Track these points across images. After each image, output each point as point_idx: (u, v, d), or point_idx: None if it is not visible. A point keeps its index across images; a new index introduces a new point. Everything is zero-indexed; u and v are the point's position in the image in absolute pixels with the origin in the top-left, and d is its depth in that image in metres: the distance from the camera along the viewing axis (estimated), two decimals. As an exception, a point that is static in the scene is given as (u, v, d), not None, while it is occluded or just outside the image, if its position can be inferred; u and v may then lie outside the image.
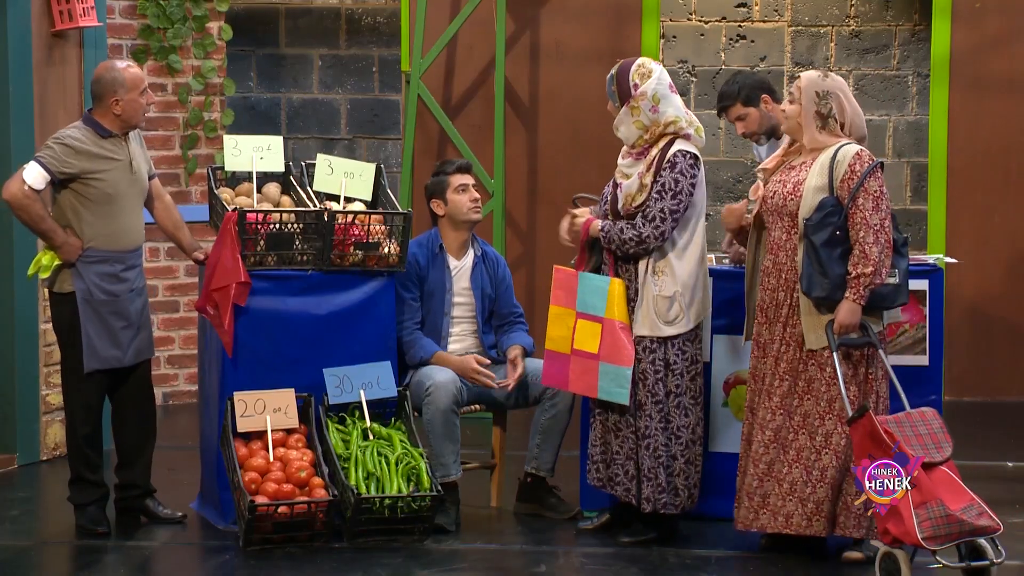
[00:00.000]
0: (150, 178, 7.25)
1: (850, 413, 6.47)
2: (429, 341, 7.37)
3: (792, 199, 6.62)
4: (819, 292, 6.51)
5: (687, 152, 6.80)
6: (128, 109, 7.03)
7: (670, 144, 6.80)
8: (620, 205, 6.85)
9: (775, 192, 6.70)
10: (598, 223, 6.90)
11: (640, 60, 6.89)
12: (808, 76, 6.70)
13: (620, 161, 6.93)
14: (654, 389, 6.85)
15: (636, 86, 6.80)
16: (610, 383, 6.86)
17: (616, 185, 6.92)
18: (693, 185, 6.79)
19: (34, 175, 6.94)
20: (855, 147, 6.61)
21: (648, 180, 6.79)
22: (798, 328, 6.63)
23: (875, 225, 6.50)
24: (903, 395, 6.56)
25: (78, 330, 7.04)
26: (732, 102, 7.71)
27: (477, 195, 7.45)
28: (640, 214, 6.79)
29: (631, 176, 6.84)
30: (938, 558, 6.18)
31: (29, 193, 6.95)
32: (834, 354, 6.51)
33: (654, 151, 6.82)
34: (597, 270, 6.96)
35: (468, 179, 7.44)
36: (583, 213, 7.00)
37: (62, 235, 7.02)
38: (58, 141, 7.01)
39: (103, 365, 7.07)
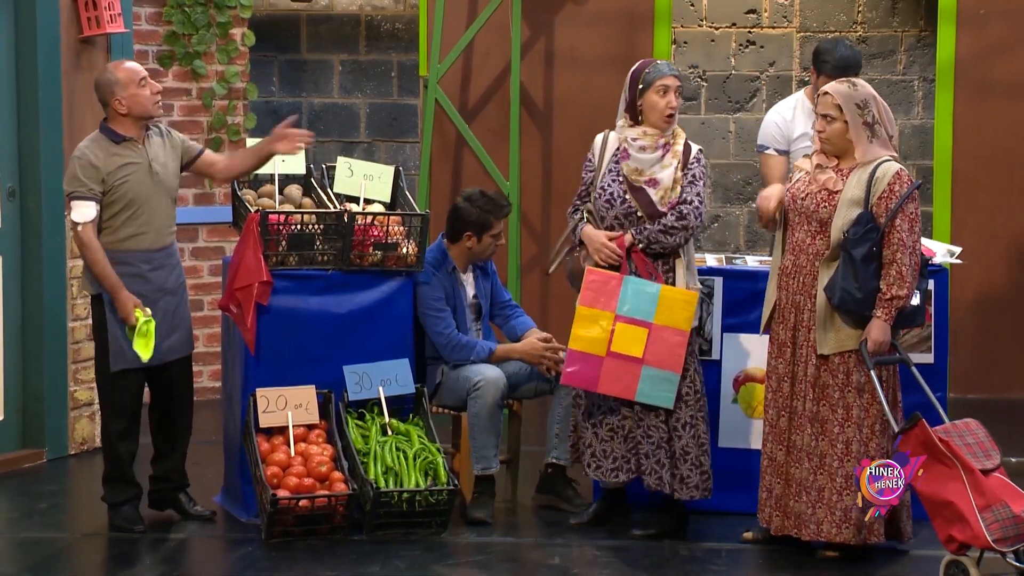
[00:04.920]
0: (199, 153, 7.20)
1: (895, 428, 6.46)
2: (484, 340, 7.47)
3: (825, 206, 6.59)
4: (851, 306, 6.50)
5: (702, 150, 7.11)
6: (132, 104, 6.98)
7: (687, 142, 7.04)
8: (657, 199, 6.96)
9: (807, 194, 6.67)
10: (629, 235, 6.99)
11: (653, 60, 7.13)
12: (839, 91, 6.61)
13: (640, 156, 7.00)
14: (693, 379, 7.00)
15: None
16: (653, 387, 6.91)
17: (631, 187, 7.00)
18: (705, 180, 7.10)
19: (77, 212, 6.93)
20: (896, 165, 6.57)
21: (679, 174, 6.98)
22: (812, 331, 6.63)
23: (910, 247, 6.50)
24: (941, 409, 6.57)
25: (105, 331, 7.06)
26: (857, 70, 7.77)
27: (503, 239, 7.57)
28: (678, 204, 6.94)
29: (656, 173, 6.98)
30: (1008, 560, 6.17)
31: (84, 236, 6.91)
32: (871, 372, 6.50)
33: (676, 147, 7.01)
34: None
35: (502, 224, 7.52)
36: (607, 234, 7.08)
37: (116, 285, 6.94)
38: (78, 163, 6.96)
39: (128, 365, 7.06)
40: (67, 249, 8.45)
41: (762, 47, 11.44)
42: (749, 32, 11.44)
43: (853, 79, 6.75)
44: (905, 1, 11.40)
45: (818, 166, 6.68)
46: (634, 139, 7.01)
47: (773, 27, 11.43)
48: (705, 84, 11.41)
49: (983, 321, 10.12)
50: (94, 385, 8.57)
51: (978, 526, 6.13)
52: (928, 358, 7.27)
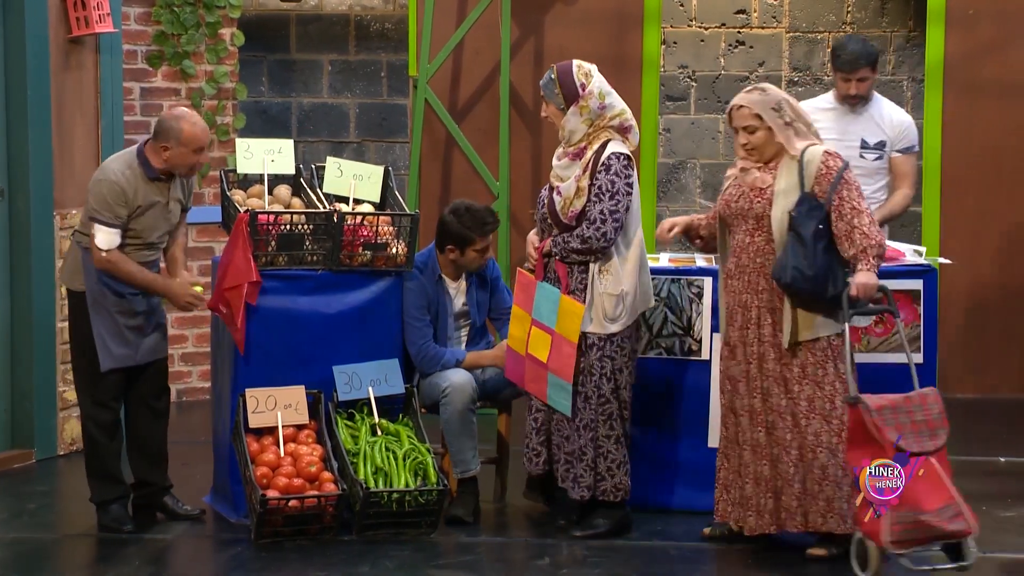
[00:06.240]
0: (185, 209, 7.25)
1: (851, 393, 6.44)
2: (453, 348, 7.49)
3: (759, 201, 6.63)
4: (802, 284, 6.45)
5: (620, 154, 6.92)
6: (174, 160, 7.00)
7: (604, 146, 6.93)
8: (559, 209, 6.97)
9: (739, 195, 6.71)
10: (549, 241, 7.02)
11: (577, 62, 7.03)
12: (751, 100, 6.66)
13: (555, 163, 7.05)
14: (599, 383, 6.97)
15: (583, 86, 6.94)
16: (556, 393, 6.99)
17: (552, 189, 7.04)
18: (629, 185, 6.92)
19: (103, 238, 6.93)
20: (821, 146, 6.64)
21: (584, 183, 6.91)
22: (765, 328, 6.64)
23: (864, 209, 6.53)
24: (915, 376, 6.54)
25: (87, 329, 7.05)
26: (868, 63, 7.91)
27: (489, 255, 7.51)
28: (583, 223, 6.90)
29: (567, 179, 6.96)
30: (901, 561, 6.25)
31: (111, 257, 6.94)
32: (845, 325, 6.49)
33: (589, 153, 6.94)
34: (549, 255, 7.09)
35: (487, 241, 7.46)
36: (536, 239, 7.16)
37: (162, 282, 7.05)
38: (110, 188, 6.93)
39: (117, 364, 7.07)
40: (56, 249, 8.45)
41: (751, 47, 11.48)
42: (738, 32, 11.48)
43: (763, 85, 6.81)
44: (894, 1, 11.44)
45: (742, 169, 6.73)
46: (559, 147, 7.08)
47: (762, 27, 11.47)
48: (695, 84, 11.45)
49: (972, 321, 10.14)
50: (83, 385, 8.59)
51: (883, 522, 6.21)
52: (917, 358, 7.26)
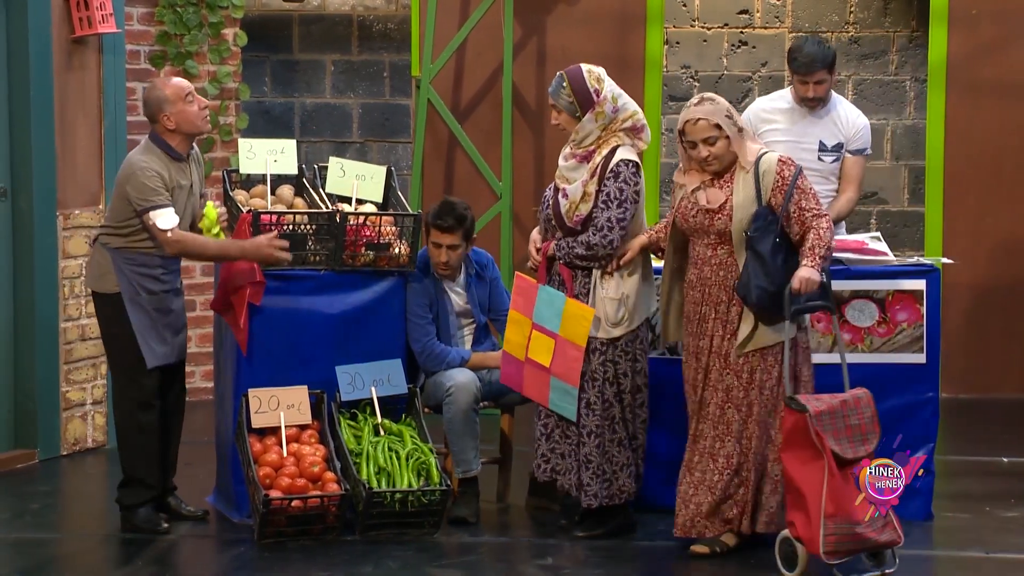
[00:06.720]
0: (201, 195, 7.25)
1: (788, 391, 6.47)
2: (458, 348, 7.49)
3: (720, 217, 6.61)
4: (767, 303, 6.49)
5: (629, 161, 6.88)
6: (180, 120, 7.01)
7: (613, 152, 6.89)
8: (564, 212, 6.95)
9: (695, 211, 6.69)
10: (553, 244, 6.99)
11: (586, 67, 6.96)
12: (707, 111, 6.63)
13: (562, 163, 7.01)
14: (603, 388, 6.96)
15: (597, 92, 6.89)
16: (560, 397, 6.98)
17: (558, 190, 7.01)
18: (637, 193, 6.89)
19: (163, 220, 6.90)
20: (774, 154, 6.65)
21: (592, 189, 6.88)
22: (716, 339, 6.66)
23: (825, 215, 6.57)
24: (846, 379, 6.54)
25: (126, 329, 7.03)
26: (824, 66, 7.88)
27: (447, 258, 7.37)
28: (589, 229, 6.87)
29: (574, 181, 6.93)
30: (835, 571, 6.30)
31: (177, 237, 6.91)
32: (786, 322, 6.49)
33: (598, 158, 6.90)
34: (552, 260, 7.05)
35: (444, 239, 7.35)
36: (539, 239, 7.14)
37: (235, 244, 7.03)
38: (144, 174, 6.92)
39: (160, 361, 7.06)
40: (58, 249, 8.46)
41: (754, 47, 11.48)
42: (741, 32, 11.48)
43: (708, 95, 6.77)
44: (897, 1, 11.45)
45: (693, 190, 6.71)
46: (566, 147, 7.05)
47: (765, 27, 11.47)
48: (697, 84, 11.45)
49: (974, 321, 10.15)
50: (86, 386, 8.60)
51: (817, 532, 6.24)
52: (920, 358, 7.28)
